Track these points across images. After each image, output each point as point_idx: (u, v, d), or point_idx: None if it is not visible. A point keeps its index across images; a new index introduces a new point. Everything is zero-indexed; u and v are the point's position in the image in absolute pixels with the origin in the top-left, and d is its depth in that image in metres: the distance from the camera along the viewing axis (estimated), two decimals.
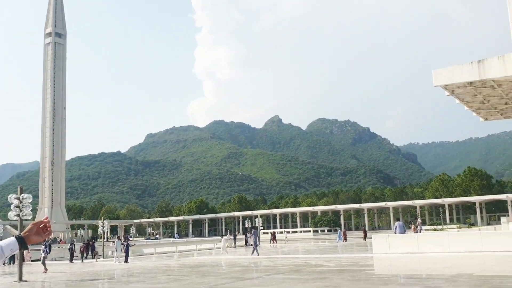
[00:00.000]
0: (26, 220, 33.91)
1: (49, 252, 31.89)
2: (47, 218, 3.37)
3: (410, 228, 48.04)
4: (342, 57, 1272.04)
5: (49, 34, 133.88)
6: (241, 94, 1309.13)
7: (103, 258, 46.70)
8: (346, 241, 57.07)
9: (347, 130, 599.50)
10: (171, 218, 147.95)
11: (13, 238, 3.14)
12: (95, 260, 43.33)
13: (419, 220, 53.91)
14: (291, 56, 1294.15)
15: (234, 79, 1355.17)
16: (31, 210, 32.78)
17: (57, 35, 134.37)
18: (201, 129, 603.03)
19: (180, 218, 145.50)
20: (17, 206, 31.44)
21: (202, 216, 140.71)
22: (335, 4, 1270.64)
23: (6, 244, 3.09)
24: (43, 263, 29.65)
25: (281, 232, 72.78)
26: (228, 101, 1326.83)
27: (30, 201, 31.91)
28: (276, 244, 58.15)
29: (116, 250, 38.69)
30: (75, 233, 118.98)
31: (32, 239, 3.21)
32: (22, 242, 3.15)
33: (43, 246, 31.12)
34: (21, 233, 3.26)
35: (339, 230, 62.29)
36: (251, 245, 53.61)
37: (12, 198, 31.72)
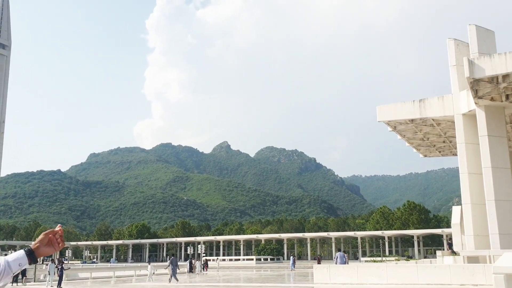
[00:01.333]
0: None
1: None
2: (60, 226, 2.97)
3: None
4: (292, 88, 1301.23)
5: None
6: (190, 118, 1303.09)
7: (34, 282, 44.11)
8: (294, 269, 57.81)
9: (294, 160, 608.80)
10: (110, 242, 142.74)
11: (21, 252, 2.76)
12: (23, 284, 40.78)
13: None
14: (242, 83, 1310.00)
15: (183, 102, 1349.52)
16: None
17: (1, 46, 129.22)
18: (147, 151, 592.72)
19: (120, 242, 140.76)
20: None
21: (143, 241, 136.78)
22: (286, 37, 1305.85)
23: (13, 258, 2.72)
24: None
25: (214, 260, 71.95)
26: (176, 124, 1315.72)
27: None
28: (206, 271, 57.28)
29: (49, 274, 36.76)
30: (5, 254, 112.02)
31: (43, 251, 2.82)
32: (32, 256, 2.78)
33: None
34: (30, 245, 2.86)
35: (292, 257, 63.58)
36: (190, 272, 52.98)
37: None
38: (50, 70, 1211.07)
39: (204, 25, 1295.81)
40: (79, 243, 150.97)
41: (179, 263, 59.65)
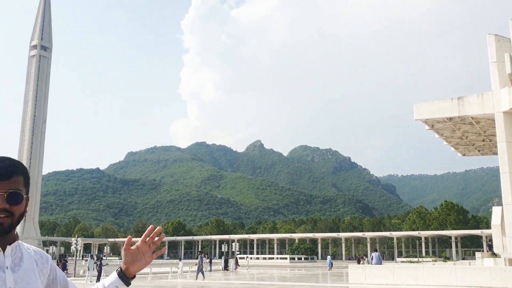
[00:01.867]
0: None
1: None
2: (151, 228, 2.63)
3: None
4: (325, 86, 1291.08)
5: (34, 47, 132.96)
6: (224, 117, 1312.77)
7: (74, 277, 45.52)
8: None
9: (328, 159, 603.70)
10: None
11: (114, 274, 2.50)
12: None
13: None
14: (275, 82, 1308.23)
15: (218, 102, 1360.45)
16: None
17: (43, 48, 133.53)
18: (183, 150, 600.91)
19: (156, 238, 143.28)
20: None
21: (178, 238, 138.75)
22: (320, 34, 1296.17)
23: (110, 282, 2.46)
24: None
25: (244, 258, 72.07)
26: (210, 124, 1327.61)
27: None
28: (237, 269, 57.38)
29: (88, 269, 37.83)
30: (47, 250, 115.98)
31: (132, 269, 2.50)
32: (123, 278, 2.49)
33: None
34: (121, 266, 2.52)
35: (329, 257, 62.61)
36: (225, 269, 53.52)
37: None
38: (90, 72, 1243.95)
39: (238, 24, 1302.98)
40: (117, 239, 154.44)
41: (213, 261, 60.29)
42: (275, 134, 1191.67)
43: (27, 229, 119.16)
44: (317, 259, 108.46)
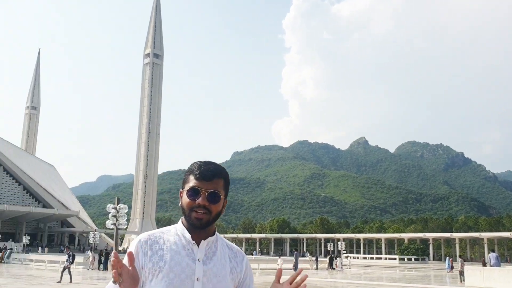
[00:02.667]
0: (121, 229, 36.37)
1: (73, 262, 30.28)
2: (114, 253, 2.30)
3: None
4: (433, 78, 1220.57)
5: (147, 55, 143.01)
6: (326, 114, 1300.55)
7: None
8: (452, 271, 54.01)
9: (439, 155, 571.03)
10: (253, 235, 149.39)
11: None
12: None
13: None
14: (379, 76, 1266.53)
15: (319, 99, 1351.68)
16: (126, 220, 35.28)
17: (155, 56, 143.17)
18: (285, 148, 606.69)
19: (262, 235, 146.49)
20: (114, 216, 33.97)
21: (283, 235, 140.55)
22: (426, 24, 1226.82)
23: None
24: (68, 272, 28.03)
25: (347, 257, 70.44)
26: (312, 122, 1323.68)
27: (125, 211, 34.46)
28: (337, 268, 56.06)
29: None
30: None
31: None
32: None
33: (67, 255, 29.66)
34: None
35: (448, 258, 59.06)
36: (330, 268, 53.49)
37: (110, 208, 34.38)
38: (196, 76, 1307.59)
39: (339, 19, 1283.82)
40: (226, 235, 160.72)
41: (319, 259, 60.35)
42: (380, 131, 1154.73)
43: (145, 225, 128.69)
44: (429, 260, 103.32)
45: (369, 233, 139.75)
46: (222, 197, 2.49)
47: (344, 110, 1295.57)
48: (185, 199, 2.46)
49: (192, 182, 2.46)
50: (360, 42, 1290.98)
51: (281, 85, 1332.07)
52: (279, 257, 43.86)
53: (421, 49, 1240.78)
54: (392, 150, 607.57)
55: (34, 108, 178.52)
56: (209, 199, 2.41)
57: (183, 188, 2.52)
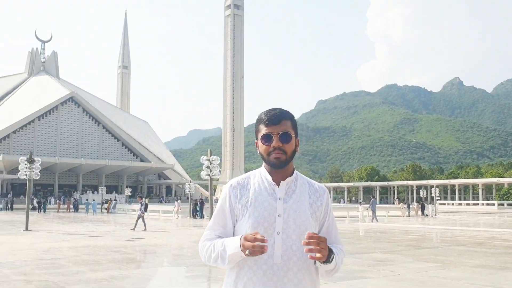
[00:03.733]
0: (214, 179, 38.15)
1: (146, 211, 31.11)
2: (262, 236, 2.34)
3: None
4: None
5: (228, 6, 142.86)
6: (416, 55, 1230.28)
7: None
8: None
9: None
10: (341, 184, 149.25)
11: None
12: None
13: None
14: (473, 11, 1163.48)
15: (409, 40, 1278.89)
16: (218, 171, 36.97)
17: (236, 7, 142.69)
18: (372, 94, 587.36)
19: (351, 184, 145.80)
20: (208, 167, 35.72)
21: (373, 184, 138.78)
22: None
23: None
24: (142, 221, 28.62)
25: (441, 204, 67.51)
26: (401, 64, 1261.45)
27: (218, 163, 36.16)
28: (429, 215, 54.21)
29: None
30: None
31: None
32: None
33: (140, 204, 29.94)
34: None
35: None
36: (422, 215, 52.49)
37: (203, 159, 36.19)
38: (276, 29, 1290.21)
39: None
40: None
41: (411, 206, 59.11)
42: (476, 70, 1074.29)
43: (235, 175, 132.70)
44: None
45: (464, 178, 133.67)
46: (293, 135, 2.63)
47: (435, 50, 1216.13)
48: (261, 146, 2.64)
49: (263, 129, 2.63)
50: None
51: (367, 27, 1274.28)
52: (360, 205, 44.02)
53: None
54: (489, 90, 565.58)
55: (125, 67, 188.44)
56: (282, 139, 2.57)
57: (257, 138, 2.68)
